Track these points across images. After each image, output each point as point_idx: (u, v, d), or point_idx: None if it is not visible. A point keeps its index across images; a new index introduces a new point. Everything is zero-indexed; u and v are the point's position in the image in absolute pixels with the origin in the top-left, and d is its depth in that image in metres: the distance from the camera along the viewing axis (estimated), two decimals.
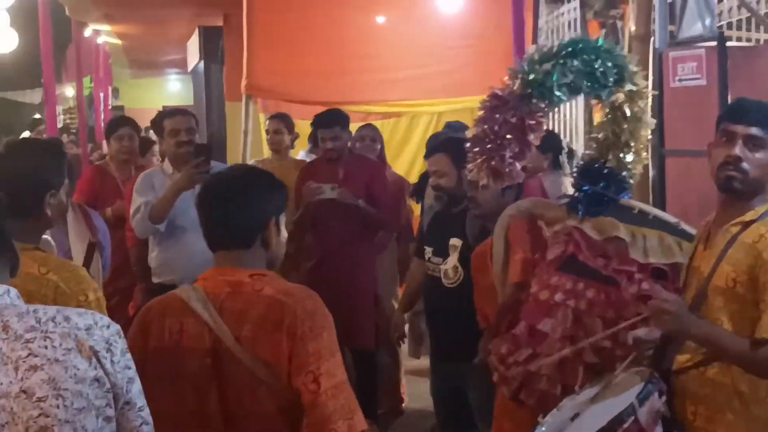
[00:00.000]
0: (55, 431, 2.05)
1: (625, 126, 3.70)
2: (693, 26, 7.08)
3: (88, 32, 14.65)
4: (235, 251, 2.54)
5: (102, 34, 15.29)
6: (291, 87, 8.40)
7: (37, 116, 21.30)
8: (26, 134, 15.90)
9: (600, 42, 3.74)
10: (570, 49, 3.63)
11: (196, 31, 13.58)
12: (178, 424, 2.37)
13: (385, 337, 6.04)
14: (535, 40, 7.93)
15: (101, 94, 18.12)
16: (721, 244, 2.78)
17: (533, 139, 3.70)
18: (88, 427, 2.09)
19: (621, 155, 3.72)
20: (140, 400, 2.21)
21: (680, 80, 6.05)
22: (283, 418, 2.33)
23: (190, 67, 16.35)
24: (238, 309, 2.38)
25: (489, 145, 3.63)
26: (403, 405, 6.62)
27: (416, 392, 6.57)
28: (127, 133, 6.65)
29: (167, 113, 5.79)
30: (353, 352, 5.97)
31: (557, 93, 3.60)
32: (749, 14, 9.04)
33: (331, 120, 6.06)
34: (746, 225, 2.76)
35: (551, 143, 6.60)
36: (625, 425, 2.68)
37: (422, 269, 4.99)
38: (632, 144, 3.73)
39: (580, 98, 7.38)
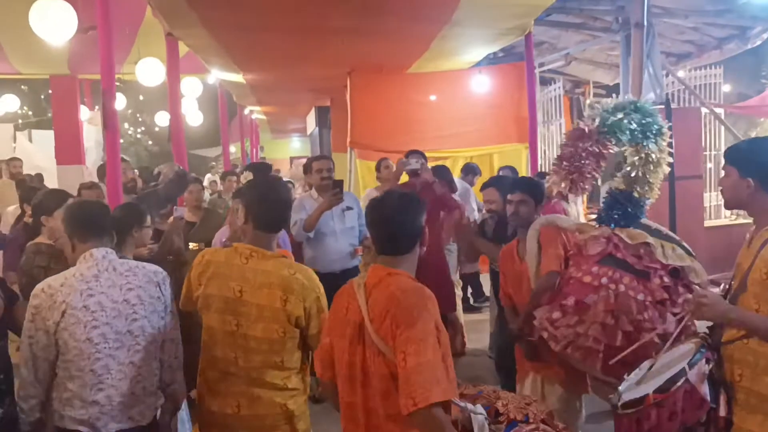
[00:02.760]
0: (138, 321, 2.65)
1: (651, 168, 3.30)
2: (648, 94, 6.67)
3: (246, 111, 14.43)
4: (392, 256, 2.29)
5: (254, 112, 15.12)
6: (377, 141, 8.14)
7: (218, 166, 21.24)
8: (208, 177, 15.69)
9: (650, 106, 3.34)
10: (633, 106, 3.28)
11: (313, 109, 13.44)
12: (341, 366, 2.28)
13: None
14: (533, 107, 7.48)
15: (254, 150, 18.06)
16: (757, 246, 2.36)
17: (602, 165, 3.36)
18: (154, 320, 2.71)
19: (645, 188, 3.32)
20: (174, 307, 2.81)
21: None
22: (394, 379, 2.12)
23: (308, 132, 16.21)
24: (375, 297, 2.21)
25: (574, 164, 3.29)
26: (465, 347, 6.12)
27: (474, 338, 6.25)
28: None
29: (314, 158, 5.33)
30: None
31: (625, 135, 3.24)
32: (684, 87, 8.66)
33: (417, 152, 5.73)
34: None
35: None
36: (678, 383, 2.33)
37: None
38: (651, 181, 3.33)
39: None
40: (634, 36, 4.43)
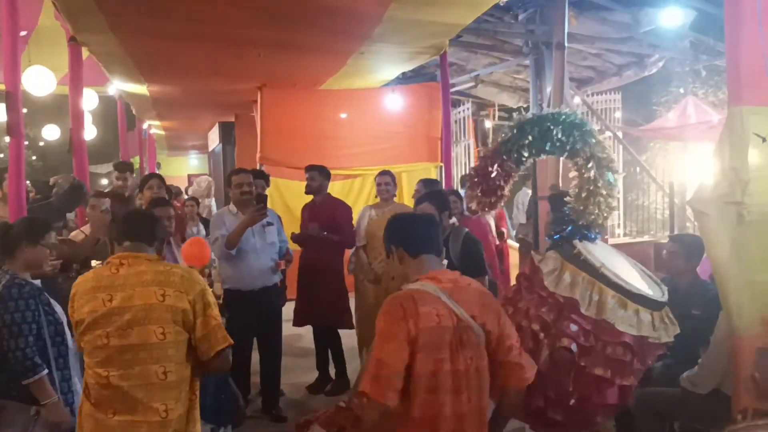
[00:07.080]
0: None
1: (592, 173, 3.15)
2: None
3: (145, 125, 13.79)
4: (437, 257, 2.48)
5: (152, 127, 14.51)
6: (288, 158, 8.05)
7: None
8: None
9: (558, 114, 3.25)
10: (532, 120, 3.25)
11: (217, 125, 13.07)
12: (440, 380, 2.21)
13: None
14: (448, 127, 7.57)
15: (150, 165, 17.24)
16: None
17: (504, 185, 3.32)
18: None
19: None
20: None
21: None
22: (489, 367, 2.33)
23: (210, 148, 15.71)
24: (463, 297, 2.30)
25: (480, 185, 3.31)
26: None
27: None
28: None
29: (234, 171, 5.12)
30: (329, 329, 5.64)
31: (521, 152, 3.24)
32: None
33: (312, 167, 5.75)
34: None
35: None
36: None
37: None
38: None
39: None
40: (555, 56, 4.62)
